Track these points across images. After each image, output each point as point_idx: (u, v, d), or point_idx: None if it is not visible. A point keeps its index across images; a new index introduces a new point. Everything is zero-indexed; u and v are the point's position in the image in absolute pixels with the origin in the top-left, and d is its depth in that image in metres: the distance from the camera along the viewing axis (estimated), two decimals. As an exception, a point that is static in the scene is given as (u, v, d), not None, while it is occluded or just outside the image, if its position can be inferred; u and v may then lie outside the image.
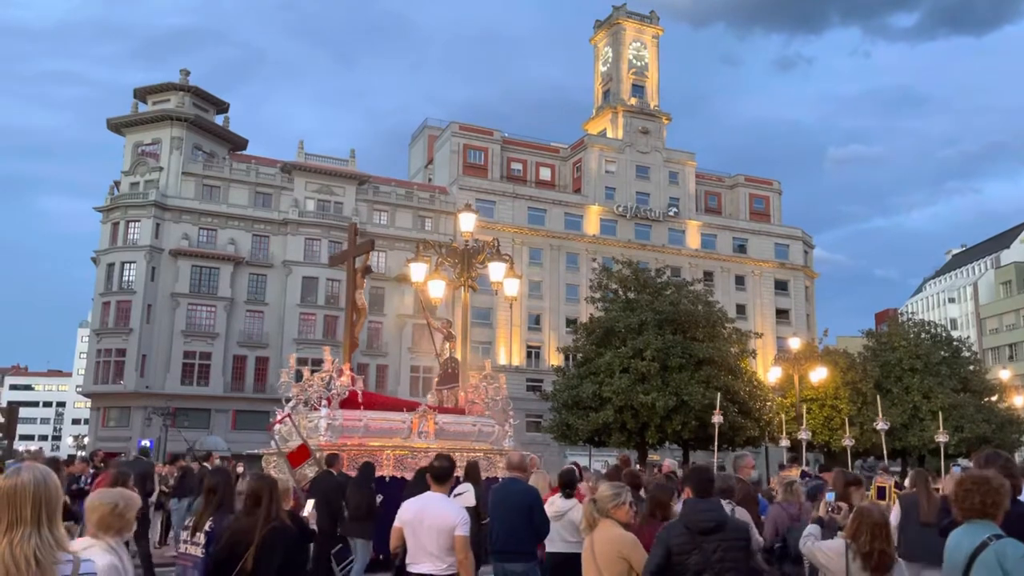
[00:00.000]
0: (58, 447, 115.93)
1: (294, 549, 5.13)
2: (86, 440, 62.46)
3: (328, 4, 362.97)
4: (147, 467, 11.87)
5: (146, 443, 45.37)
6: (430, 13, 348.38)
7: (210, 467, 13.59)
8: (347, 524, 9.80)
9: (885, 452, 28.54)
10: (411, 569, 5.55)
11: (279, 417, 11.41)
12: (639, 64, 73.95)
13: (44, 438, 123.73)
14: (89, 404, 58.31)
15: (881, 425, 26.96)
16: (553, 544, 7.38)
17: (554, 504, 7.52)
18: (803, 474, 13.13)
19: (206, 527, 5.25)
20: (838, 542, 4.80)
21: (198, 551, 5.15)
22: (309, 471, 11.17)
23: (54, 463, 10.49)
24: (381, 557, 10.76)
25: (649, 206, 68.66)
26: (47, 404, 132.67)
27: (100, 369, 53.12)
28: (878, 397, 31.83)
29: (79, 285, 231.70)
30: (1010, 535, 4.03)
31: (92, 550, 3.56)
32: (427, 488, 5.90)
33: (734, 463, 8.97)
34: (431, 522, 5.48)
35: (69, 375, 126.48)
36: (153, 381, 52.39)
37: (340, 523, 9.75)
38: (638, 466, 16.75)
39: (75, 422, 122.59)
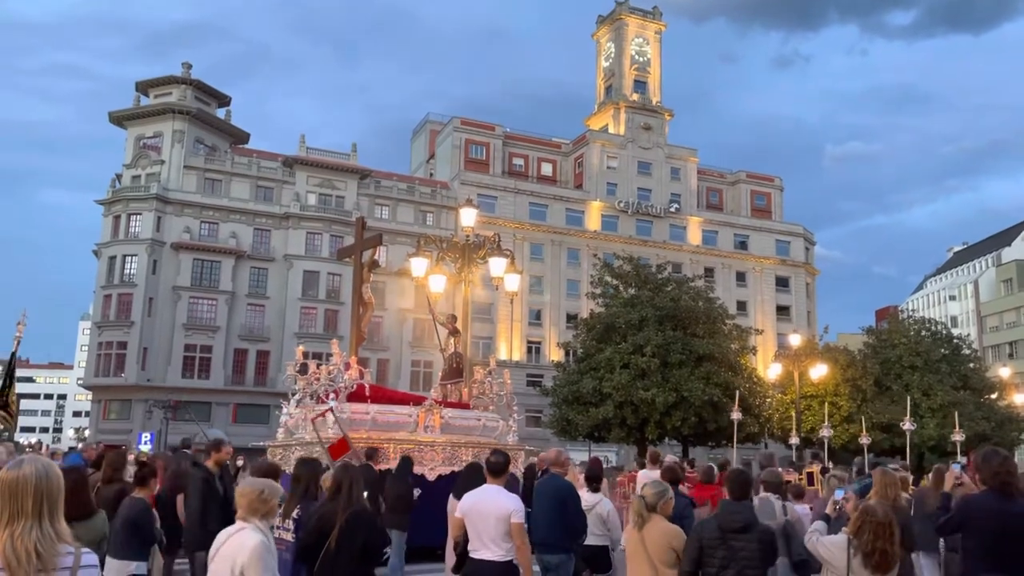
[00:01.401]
0: (59, 439, 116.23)
1: (373, 531, 5.49)
2: (87, 433, 62.57)
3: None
4: (190, 460, 11.96)
5: (146, 436, 45.81)
6: (432, 8, 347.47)
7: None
8: (385, 515, 10.02)
9: (908, 451, 28.69)
10: (472, 556, 5.97)
11: (323, 410, 11.50)
12: (641, 60, 73.76)
13: (45, 430, 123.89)
14: (90, 397, 58.48)
15: (908, 425, 27.16)
16: None
17: (582, 499, 7.72)
18: (859, 472, 13.17)
19: (294, 514, 5.49)
20: (840, 537, 4.83)
21: (288, 535, 5.42)
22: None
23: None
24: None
25: (650, 202, 68.64)
26: (48, 396, 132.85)
27: (101, 362, 53.25)
28: (908, 398, 31.89)
29: (80, 278, 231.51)
30: None
31: (245, 531, 4.06)
32: (480, 481, 6.35)
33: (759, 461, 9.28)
34: (489, 511, 5.90)
35: (70, 368, 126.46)
36: (154, 374, 52.49)
37: (379, 515, 9.99)
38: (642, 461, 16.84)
39: (76, 414, 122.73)
